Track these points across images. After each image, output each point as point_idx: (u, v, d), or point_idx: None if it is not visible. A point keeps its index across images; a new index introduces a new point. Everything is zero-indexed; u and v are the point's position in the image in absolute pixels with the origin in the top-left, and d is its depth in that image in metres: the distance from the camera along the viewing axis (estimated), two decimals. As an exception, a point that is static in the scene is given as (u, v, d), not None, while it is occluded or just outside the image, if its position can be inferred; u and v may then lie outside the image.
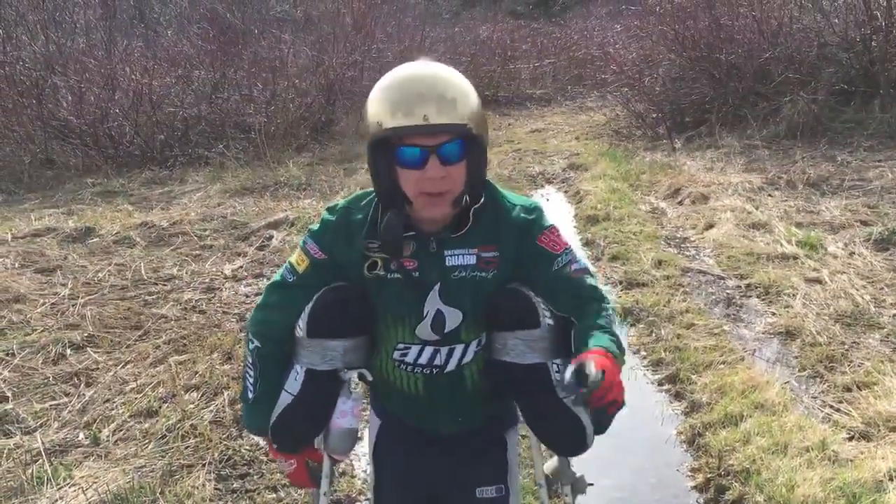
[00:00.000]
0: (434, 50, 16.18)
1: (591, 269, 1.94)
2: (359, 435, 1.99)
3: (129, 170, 10.76)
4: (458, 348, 1.86)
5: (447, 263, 1.81)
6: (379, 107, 1.70)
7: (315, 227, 1.92)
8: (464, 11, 26.32)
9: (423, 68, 1.74)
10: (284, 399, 1.91)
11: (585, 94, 17.29)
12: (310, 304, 1.87)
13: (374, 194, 1.85)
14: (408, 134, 1.66)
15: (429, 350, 1.85)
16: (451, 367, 1.87)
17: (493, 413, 2.02)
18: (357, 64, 13.44)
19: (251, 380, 1.96)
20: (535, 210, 1.90)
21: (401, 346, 1.88)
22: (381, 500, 2.12)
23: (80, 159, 11.01)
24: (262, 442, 3.95)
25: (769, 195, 7.87)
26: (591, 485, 2.07)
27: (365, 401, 4.28)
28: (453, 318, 1.83)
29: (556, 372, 1.83)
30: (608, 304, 1.89)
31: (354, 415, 1.91)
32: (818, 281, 5.54)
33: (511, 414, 2.10)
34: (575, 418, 1.84)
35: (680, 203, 8.22)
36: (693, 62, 11.92)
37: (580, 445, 1.90)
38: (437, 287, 1.81)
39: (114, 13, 14.80)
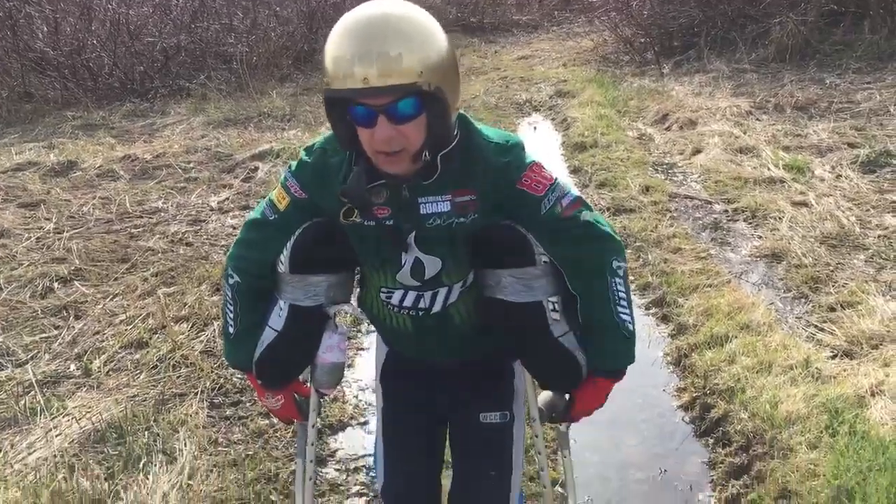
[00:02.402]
0: (418, -25, 15.74)
1: (583, 198, 1.81)
2: (346, 368, 2.00)
3: (110, 102, 10.56)
4: (442, 291, 1.81)
5: (421, 212, 1.72)
6: (326, 62, 1.57)
7: (294, 165, 1.85)
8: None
9: (374, 11, 1.55)
10: (268, 335, 1.89)
11: (573, 20, 16.98)
12: (292, 240, 1.82)
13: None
14: (356, 95, 1.53)
15: (412, 294, 1.81)
16: (436, 308, 1.83)
17: (491, 345, 1.96)
18: (339, -10, 13.11)
19: (231, 315, 1.93)
20: (513, 148, 1.76)
21: (384, 289, 1.84)
22: (387, 421, 2.11)
23: (58, 92, 10.79)
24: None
25: (757, 119, 7.83)
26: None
27: (353, 333, 4.33)
28: (432, 265, 1.77)
29: (552, 310, 1.79)
30: (609, 240, 1.80)
31: (341, 349, 1.91)
32: (804, 204, 5.55)
33: None
34: (570, 356, 1.83)
35: (668, 129, 8.17)
36: (682, -16, 11.70)
37: (574, 382, 1.89)
38: (412, 236, 1.74)
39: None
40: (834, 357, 3.65)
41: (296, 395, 2.04)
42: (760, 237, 5.17)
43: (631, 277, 4.92)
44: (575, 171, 7.22)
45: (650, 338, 4.21)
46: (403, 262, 1.77)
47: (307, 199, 1.81)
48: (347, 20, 1.57)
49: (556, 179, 1.78)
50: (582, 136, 8.04)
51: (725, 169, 6.51)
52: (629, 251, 5.26)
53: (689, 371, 3.80)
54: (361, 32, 1.53)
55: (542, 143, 8.30)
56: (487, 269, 1.80)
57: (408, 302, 1.82)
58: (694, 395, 3.61)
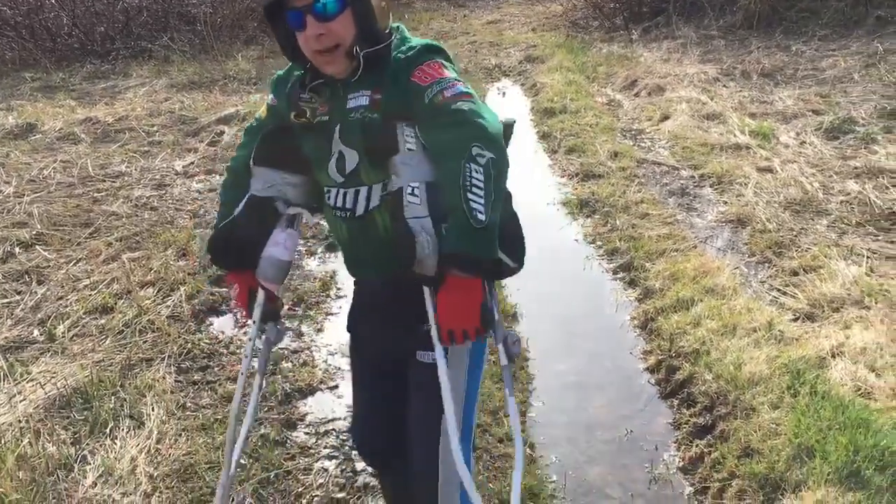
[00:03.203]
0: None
1: (475, 96, 1.76)
2: (290, 267, 2.03)
3: (70, 64, 10.32)
4: (363, 190, 1.88)
5: (347, 106, 1.85)
6: None
7: (270, 82, 2.09)
8: None
9: None
10: (227, 218, 2.03)
11: (542, -16, 16.86)
12: (258, 138, 2.03)
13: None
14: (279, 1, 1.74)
15: (341, 192, 1.91)
16: (359, 210, 1.89)
17: (404, 267, 1.78)
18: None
19: (217, 210, 2.13)
20: (420, 48, 1.83)
21: (326, 190, 1.96)
22: (353, 370, 2.28)
23: (16, 53, 10.54)
24: (221, 335, 3.96)
25: (724, 86, 7.88)
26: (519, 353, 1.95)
27: (321, 298, 4.32)
28: (352, 158, 1.87)
29: (410, 193, 1.73)
30: (475, 128, 1.70)
31: (286, 247, 1.98)
32: (769, 170, 5.61)
33: None
34: (407, 234, 1.70)
35: (636, 95, 8.19)
36: (651, -51, 11.65)
37: (403, 262, 1.72)
38: (337, 128, 1.86)
39: None
40: (796, 320, 3.72)
41: (250, 290, 2.08)
42: (726, 203, 5.23)
43: (599, 243, 4.95)
44: (544, 136, 7.22)
45: (617, 302, 4.25)
46: (332, 154, 1.88)
47: (276, 106, 2.03)
48: None
49: (448, 76, 1.78)
50: (551, 101, 8.03)
51: (692, 135, 6.55)
52: (597, 216, 5.30)
53: (655, 334, 3.85)
54: None
55: (511, 109, 8.28)
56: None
57: (339, 202, 1.91)
58: (660, 357, 3.66)
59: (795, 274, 4.16)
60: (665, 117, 7.17)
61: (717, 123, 6.76)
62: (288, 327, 4.00)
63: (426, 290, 1.81)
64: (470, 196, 1.64)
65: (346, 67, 1.83)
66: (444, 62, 1.83)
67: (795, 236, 4.57)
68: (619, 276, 4.56)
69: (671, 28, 10.48)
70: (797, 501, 2.57)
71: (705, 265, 4.27)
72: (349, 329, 2.22)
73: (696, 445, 3.05)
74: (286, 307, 4.22)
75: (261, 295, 2.04)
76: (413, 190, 1.74)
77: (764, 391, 3.11)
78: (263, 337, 2.08)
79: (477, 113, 1.71)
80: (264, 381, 2.16)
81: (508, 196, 1.83)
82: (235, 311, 4.17)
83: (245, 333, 3.92)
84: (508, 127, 1.89)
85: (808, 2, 10.03)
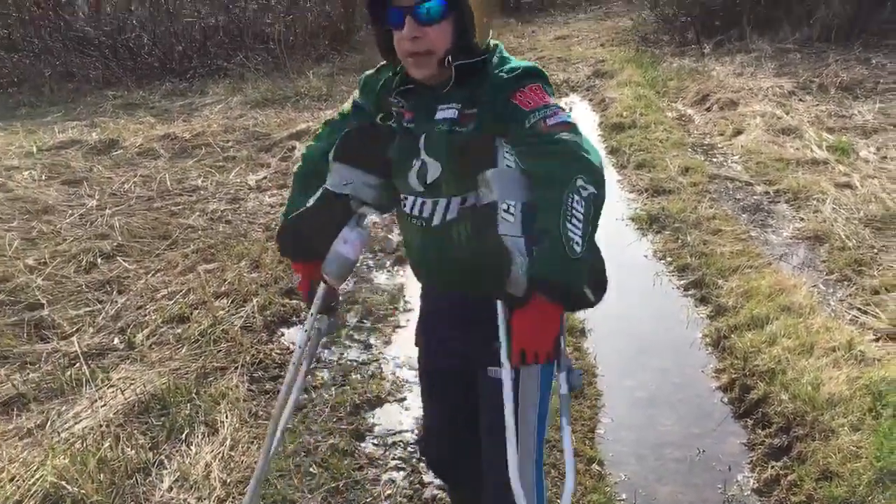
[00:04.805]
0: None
1: (577, 126, 1.75)
2: (354, 267, 2.02)
3: (149, 82, 10.70)
4: (442, 202, 1.89)
5: (436, 116, 1.85)
6: None
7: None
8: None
9: None
10: (299, 209, 2.01)
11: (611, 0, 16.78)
12: (342, 133, 1.99)
13: None
14: None
15: (419, 201, 1.92)
16: (436, 221, 1.90)
17: (495, 286, 1.76)
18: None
19: (288, 200, 2.11)
20: (522, 70, 1.81)
21: (402, 196, 1.97)
22: (421, 380, 2.30)
23: (99, 72, 10.96)
24: (292, 345, 4.03)
25: (800, 100, 7.69)
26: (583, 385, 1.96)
27: (389, 311, 4.35)
28: (434, 169, 1.87)
29: (506, 210, 1.71)
30: (582, 161, 1.69)
31: (354, 247, 1.98)
32: (848, 186, 5.45)
33: None
34: (502, 251, 1.67)
35: (708, 109, 8.06)
36: (724, -38, 11.48)
37: (496, 282, 1.68)
38: (423, 138, 1.87)
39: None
40: (878, 340, 3.60)
41: (312, 282, 2.09)
42: (802, 219, 5.09)
43: (668, 259, 4.88)
44: (613, 151, 7.16)
45: (688, 319, 4.17)
46: (414, 163, 1.89)
47: (362, 104, 2.02)
48: None
49: (552, 104, 1.77)
50: (620, 116, 7.97)
51: (767, 150, 6.41)
52: (667, 232, 5.22)
53: (728, 353, 3.76)
54: None
55: (580, 124, 8.22)
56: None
57: (416, 210, 1.93)
58: (733, 376, 3.57)
59: (877, 293, 4.03)
60: (738, 132, 7.04)
61: (792, 138, 6.61)
62: (342, 323, 4.13)
63: (500, 306, 1.80)
64: (569, 226, 1.63)
65: (436, 75, 1.82)
66: (545, 87, 1.81)
67: (876, 254, 4.43)
68: (689, 292, 4.47)
69: (745, 42, 10.29)
70: (880, 528, 2.48)
71: (781, 283, 4.16)
72: (417, 342, 2.22)
73: (772, 467, 2.96)
74: (356, 319, 4.28)
75: (321, 288, 2.05)
76: (509, 207, 1.71)
77: (844, 412, 3.00)
78: (316, 327, 2.11)
79: (581, 146, 1.71)
80: (309, 374, 2.17)
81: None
82: (305, 322, 4.25)
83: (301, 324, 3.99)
84: None
85: (889, 13, 9.74)
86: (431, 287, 2.12)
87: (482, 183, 1.76)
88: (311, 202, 1.98)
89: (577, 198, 1.64)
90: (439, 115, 1.84)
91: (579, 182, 1.66)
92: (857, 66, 8.48)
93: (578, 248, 1.62)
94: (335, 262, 1.98)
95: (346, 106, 2.10)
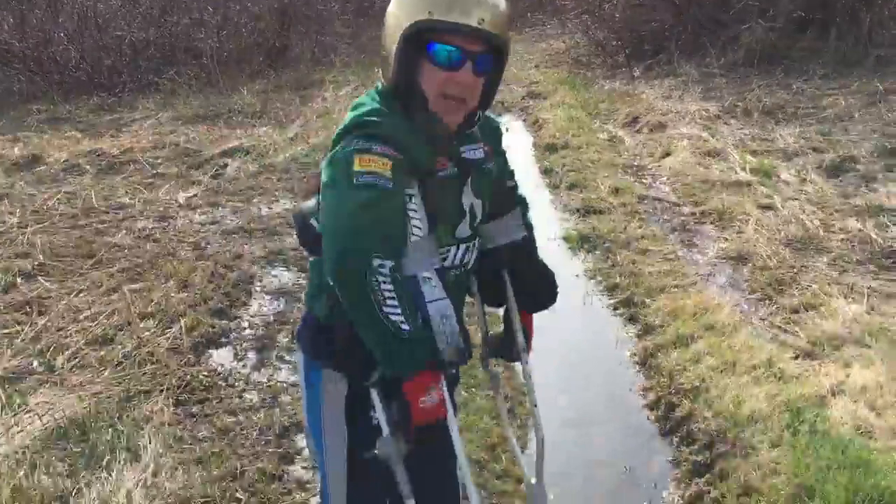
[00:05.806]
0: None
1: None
2: None
3: (76, 96, 10.43)
4: (475, 243, 1.89)
5: (465, 157, 1.82)
6: None
7: (358, 137, 1.66)
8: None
9: None
10: (442, 307, 1.66)
11: (545, 22, 17.07)
12: (417, 200, 1.69)
13: (372, 104, 1.72)
14: (456, 32, 1.62)
15: (462, 248, 1.84)
16: (471, 263, 1.90)
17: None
18: (312, -12, 13.06)
19: (398, 310, 1.58)
20: (494, 120, 2.03)
21: (443, 250, 1.78)
22: None
23: (24, 85, 10.67)
24: (220, 367, 3.94)
25: (725, 123, 7.92)
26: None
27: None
28: (479, 209, 1.86)
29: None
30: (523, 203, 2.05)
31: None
32: (770, 207, 5.63)
33: None
34: (550, 270, 2.07)
35: (638, 131, 8.25)
36: (653, -12, 11.80)
37: (554, 295, 2.14)
38: (469, 181, 1.82)
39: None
40: (796, 358, 3.71)
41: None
42: (727, 239, 5.24)
43: (599, 278, 4.96)
44: (546, 171, 7.26)
45: (618, 338, 4.24)
46: (464, 209, 1.83)
47: (402, 159, 1.65)
48: None
49: None
50: (553, 136, 8.09)
51: (693, 172, 6.58)
52: (598, 252, 5.31)
53: (655, 371, 3.84)
54: None
55: (513, 144, 8.33)
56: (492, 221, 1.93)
57: (458, 259, 1.85)
58: (659, 394, 3.64)
59: (796, 311, 4.16)
60: (666, 154, 7.21)
61: (718, 160, 6.80)
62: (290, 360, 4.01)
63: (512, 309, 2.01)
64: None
65: (458, 123, 1.76)
66: None
67: (796, 274, 4.58)
68: (619, 311, 4.55)
69: (673, 66, 10.56)
70: (797, 542, 2.55)
71: (705, 302, 4.27)
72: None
73: (696, 483, 3.02)
74: (286, 339, 4.22)
75: (445, 385, 1.72)
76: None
77: (763, 429, 3.09)
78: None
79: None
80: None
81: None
82: (234, 343, 4.18)
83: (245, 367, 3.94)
84: None
85: (809, 41, 10.13)
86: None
87: (508, 223, 1.98)
88: (441, 294, 1.68)
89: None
90: (469, 154, 1.83)
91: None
92: (779, 91, 8.79)
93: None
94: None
95: (374, 169, 1.61)
